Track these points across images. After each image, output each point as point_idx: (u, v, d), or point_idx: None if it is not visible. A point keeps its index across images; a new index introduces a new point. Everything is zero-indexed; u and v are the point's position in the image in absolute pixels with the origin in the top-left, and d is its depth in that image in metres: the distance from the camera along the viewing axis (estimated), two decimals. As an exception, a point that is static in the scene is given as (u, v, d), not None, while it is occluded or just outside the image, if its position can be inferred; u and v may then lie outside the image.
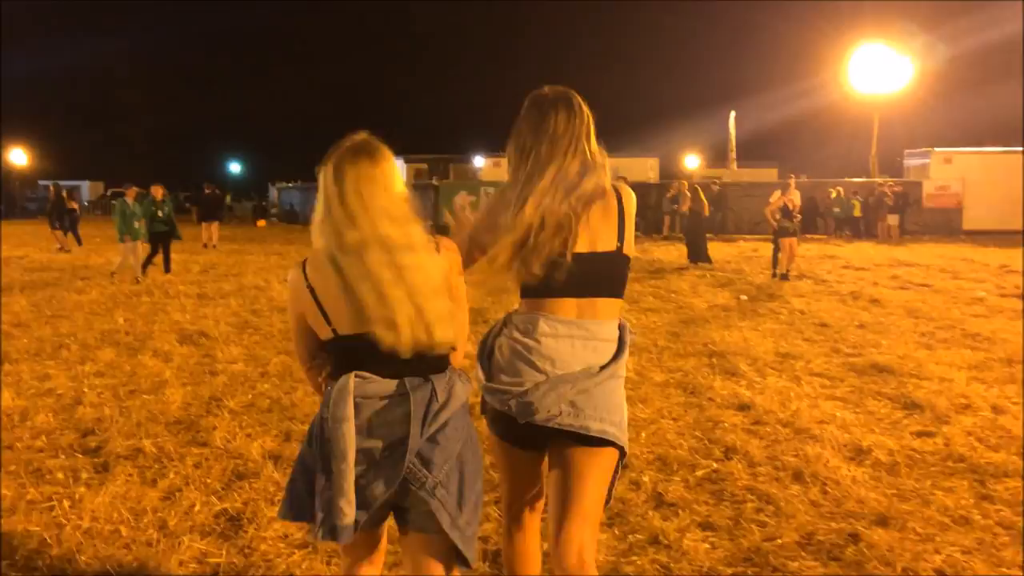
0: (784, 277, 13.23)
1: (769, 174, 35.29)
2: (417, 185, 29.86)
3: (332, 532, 1.99)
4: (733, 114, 29.88)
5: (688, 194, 25.33)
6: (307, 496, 2.05)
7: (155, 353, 7.27)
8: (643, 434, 4.92)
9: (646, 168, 30.30)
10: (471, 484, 2.08)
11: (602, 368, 2.27)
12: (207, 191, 23.99)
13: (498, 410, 2.29)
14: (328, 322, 2.04)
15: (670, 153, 32.52)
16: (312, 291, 2.04)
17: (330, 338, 2.06)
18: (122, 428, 4.92)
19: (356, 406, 1.99)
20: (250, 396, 5.76)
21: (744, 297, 11.40)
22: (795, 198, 13.63)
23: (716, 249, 20.72)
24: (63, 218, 20.46)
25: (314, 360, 2.19)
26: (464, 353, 2.26)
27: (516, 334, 2.28)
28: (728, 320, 9.37)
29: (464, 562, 2.08)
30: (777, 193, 13.67)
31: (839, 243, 23.17)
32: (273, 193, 42.84)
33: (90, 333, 8.25)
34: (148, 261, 14.01)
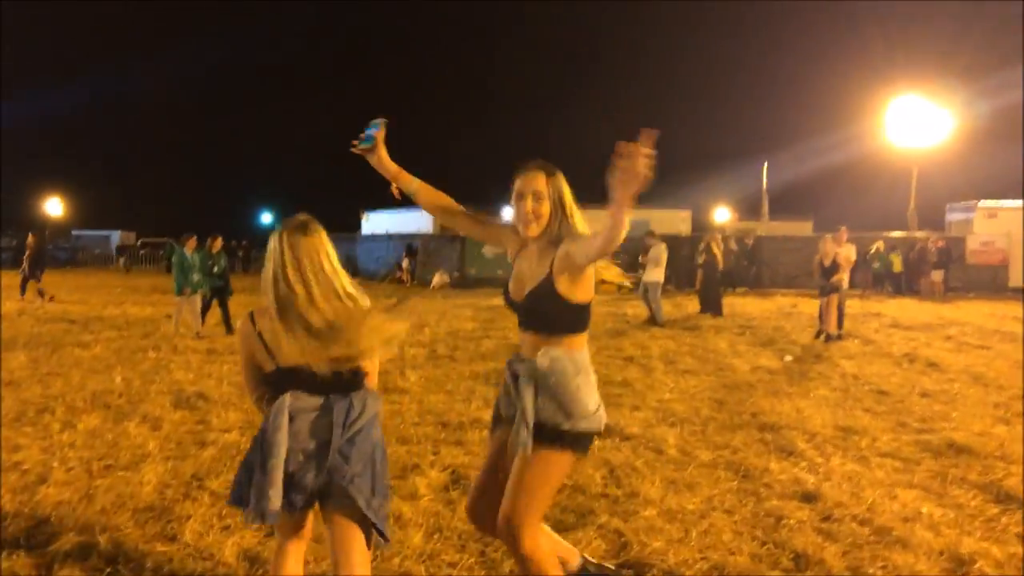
0: (828, 338, 12.35)
1: (803, 227, 34.45)
2: (443, 237, 29.39)
3: (262, 516, 2.54)
4: (766, 165, 29.23)
5: (721, 245, 24.73)
6: (247, 488, 2.59)
7: (144, 419, 6.60)
8: (693, 532, 4.13)
9: (678, 221, 29.60)
10: (380, 477, 2.67)
11: None
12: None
13: (595, 432, 2.92)
14: (272, 358, 2.66)
15: (702, 205, 31.85)
16: (260, 335, 2.67)
17: (272, 370, 2.67)
18: (81, 516, 4.21)
19: (291, 417, 2.58)
20: (238, 475, 5.04)
21: (789, 358, 10.56)
22: (848, 252, 12.79)
23: (752, 304, 19.91)
24: (39, 268, 19.10)
25: (259, 389, 2.74)
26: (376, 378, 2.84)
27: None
28: (775, 385, 8.55)
29: (383, 537, 2.66)
30: (828, 241, 12.82)
31: (880, 299, 22.20)
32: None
33: (81, 394, 7.62)
34: (226, 318, 13.15)
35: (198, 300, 12.81)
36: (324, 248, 2.67)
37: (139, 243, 53.32)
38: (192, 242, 13.12)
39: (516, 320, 2.93)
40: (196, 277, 12.68)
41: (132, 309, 17.28)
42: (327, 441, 2.57)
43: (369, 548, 2.66)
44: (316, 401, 2.61)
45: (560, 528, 4.16)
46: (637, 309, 17.85)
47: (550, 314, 2.78)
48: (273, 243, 2.65)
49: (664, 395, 7.96)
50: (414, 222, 33.10)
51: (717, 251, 17.36)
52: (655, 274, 14.85)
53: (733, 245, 24.88)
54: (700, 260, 17.73)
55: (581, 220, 2.82)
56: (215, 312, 13.29)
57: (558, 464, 2.80)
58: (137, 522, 4.18)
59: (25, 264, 19.12)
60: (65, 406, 7.06)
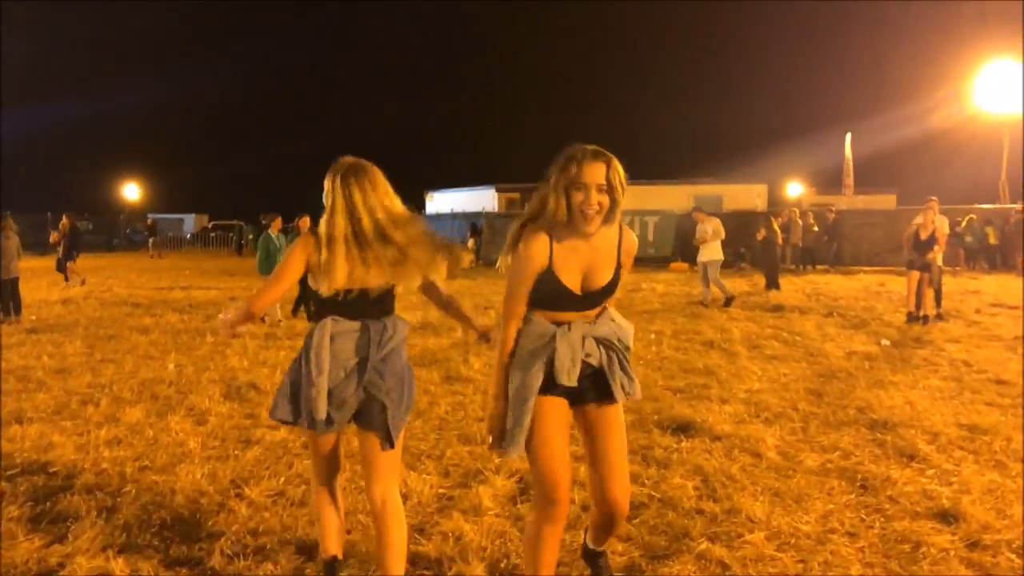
0: (926, 319, 11.30)
1: (886, 200, 32.76)
2: (509, 216, 28.74)
3: (312, 424, 2.86)
4: (849, 136, 27.68)
5: (799, 222, 23.49)
6: (293, 403, 2.92)
7: (190, 412, 6.16)
8: (813, 564, 3.42)
9: (753, 195, 28.31)
10: (408, 395, 2.99)
11: None
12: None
13: None
14: (317, 282, 2.92)
15: (778, 179, 30.42)
16: (308, 261, 2.91)
17: (320, 294, 2.91)
18: (100, 532, 3.71)
19: (332, 337, 2.86)
20: (281, 480, 4.51)
21: (887, 342, 9.63)
22: (942, 224, 11.68)
23: (835, 283, 18.78)
24: (75, 250, 18.94)
25: (283, 288, 2.97)
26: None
27: None
28: (877, 374, 7.69)
29: (390, 444, 2.91)
30: (919, 218, 11.74)
31: (975, 276, 20.78)
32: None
33: (130, 383, 7.24)
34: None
35: None
36: (382, 182, 2.93)
37: (211, 225, 54.13)
38: (277, 223, 12.09)
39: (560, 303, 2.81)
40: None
41: (198, 292, 17.14)
42: (364, 359, 2.85)
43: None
44: (355, 324, 2.87)
45: (651, 554, 3.50)
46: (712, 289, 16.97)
47: (615, 292, 2.88)
48: (334, 182, 2.87)
49: (753, 384, 7.20)
50: (479, 201, 32.56)
51: (776, 228, 17.36)
52: (710, 251, 14.01)
53: (812, 220, 23.61)
54: (759, 236, 17.89)
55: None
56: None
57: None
58: (161, 541, 3.65)
59: (61, 247, 18.66)
60: (111, 397, 6.67)
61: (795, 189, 41.89)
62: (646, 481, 4.51)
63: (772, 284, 16.72)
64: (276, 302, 3.14)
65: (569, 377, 2.72)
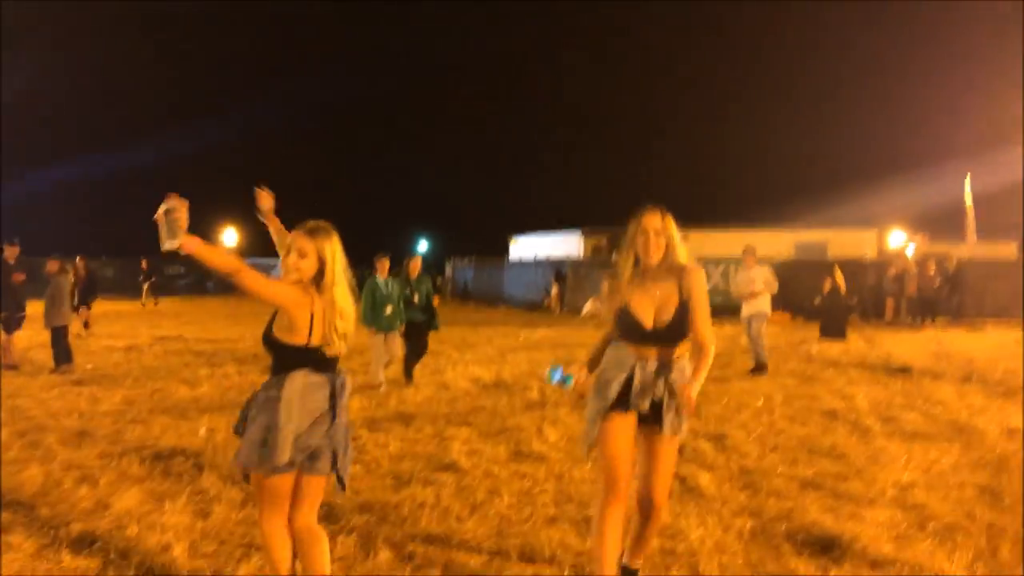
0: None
1: (1007, 248, 30.01)
2: (595, 262, 27.41)
3: (274, 468, 3.09)
4: (969, 177, 25.39)
5: (915, 271, 21.42)
6: (258, 448, 3.12)
7: (195, 496, 5.04)
8: None
9: (862, 242, 26.18)
10: (347, 443, 3.30)
11: None
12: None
13: None
14: (308, 333, 3.19)
15: (889, 224, 28.13)
16: (312, 311, 3.20)
17: (302, 345, 3.19)
18: None
19: (305, 389, 3.15)
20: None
21: (1054, 418, 7.88)
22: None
23: (962, 340, 16.71)
24: (91, 295, 17.49)
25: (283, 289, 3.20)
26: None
27: None
28: (1060, 463, 6.04)
29: (342, 486, 3.29)
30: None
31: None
32: (448, 270, 41.79)
33: (147, 453, 6.22)
34: (410, 362, 10.19)
35: (396, 340, 9.85)
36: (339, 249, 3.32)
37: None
38: (385, 264, 9.85)
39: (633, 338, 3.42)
40: (390, 309, 9.61)
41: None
42: (327, 411, 3.20)
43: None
44: (322, 378, 3.22)
45: None
46: (823, 345, 15.24)
47: (684, 330, 3.36)
48: (333, 244, 3.29)
49: (901, 475, 5.68)
50: (564, 246, 31.29)
51: (841, 279, 17.10)
52: (757, 304, 11.50)
53: (933, 269, 21.47)
54: (826, 287, 17.21)
55: (684, 251, 3.42)
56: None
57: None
58: None
59: (75, 292, 15.71)
60: (116, 473, 5.63)
61: (899, 237, 39.09)
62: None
63: (829, 333, 16.46)
64: (256, 291, 3.04)
65: (641, 403, 3.34)
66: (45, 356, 11.69)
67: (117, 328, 18.62)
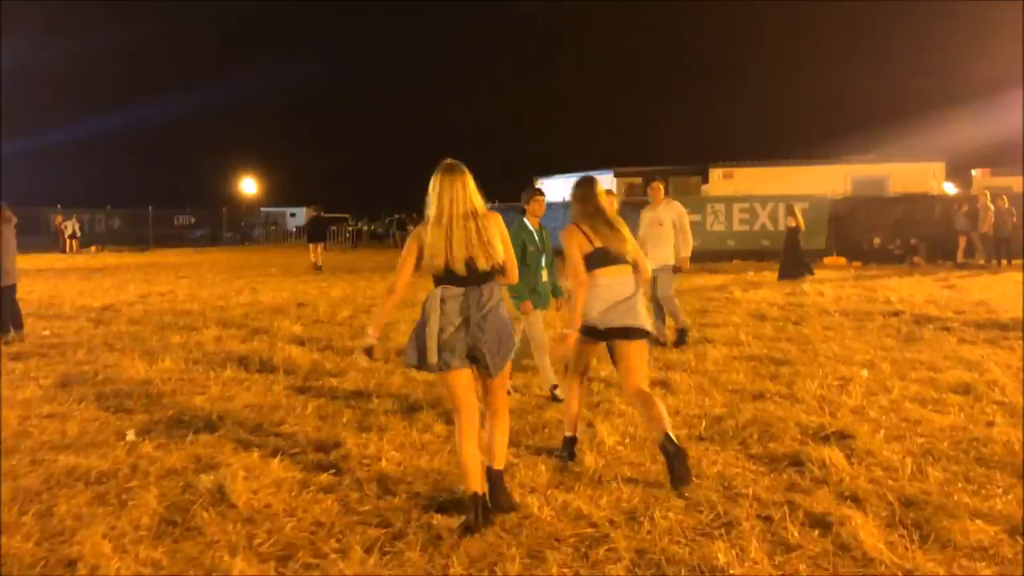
0: None
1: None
2: (626, 204, 25.22)
3: (425, 366, 3.64)
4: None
5: (990, 207, 19.09)
6: (417, 350, 3.68)
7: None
8: None
9: (927, 175, 23.74)
10: (506, 343, 3.71)
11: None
12: (313, 215, 23.41)
13: None
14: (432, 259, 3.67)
15: (957, 156, 25.67)
16: (420, 240, 3.71)
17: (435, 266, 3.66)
18: None
19: (443, 301, 3.62)
20: None
21: None
22: None
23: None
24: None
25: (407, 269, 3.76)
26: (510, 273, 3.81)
27: None
28: None
29: (491, 374, 3.71)
30: None
31: None
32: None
33: (33, 479, 4.38)
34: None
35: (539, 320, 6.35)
36: (470, 181, 3.74)
37: (319, 215, 52.54)
38: (536, 206, 6.65)
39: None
40: (545, 275, 6.39)
41: (265, 296, 14.49)
42: (468, 317, 3.62)
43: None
44: (459, 291, 3.64)
45: None
46: (900, 292, 13.13)
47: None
48: (444, 181, 3.70)
49: None
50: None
51: (799, 216, 16.46)
52: (659, 254, 8.53)
53: (1006, 203, 19.10)
54: (791, 224, 16.41)
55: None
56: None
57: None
58: None
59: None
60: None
61: (964, 171, 36.16)
62: None
63: (786, 274, 15.85)
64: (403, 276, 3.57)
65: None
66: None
67: (107, 284, 16.93)
